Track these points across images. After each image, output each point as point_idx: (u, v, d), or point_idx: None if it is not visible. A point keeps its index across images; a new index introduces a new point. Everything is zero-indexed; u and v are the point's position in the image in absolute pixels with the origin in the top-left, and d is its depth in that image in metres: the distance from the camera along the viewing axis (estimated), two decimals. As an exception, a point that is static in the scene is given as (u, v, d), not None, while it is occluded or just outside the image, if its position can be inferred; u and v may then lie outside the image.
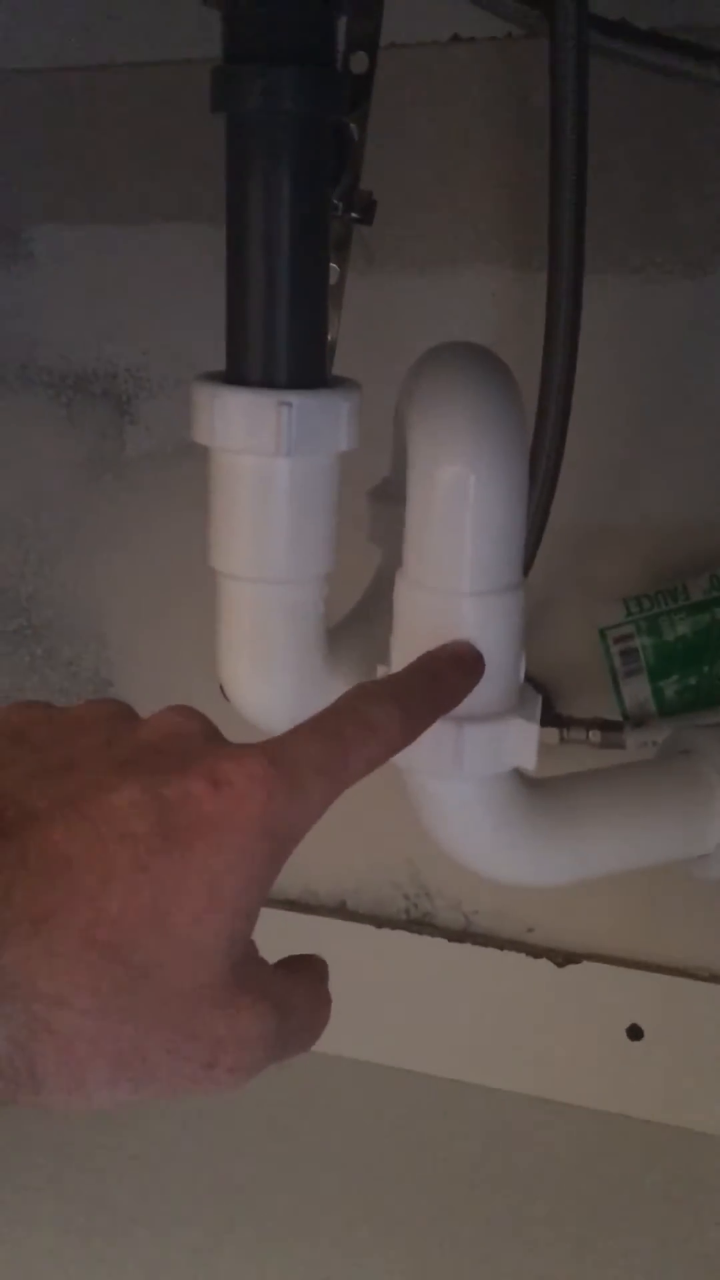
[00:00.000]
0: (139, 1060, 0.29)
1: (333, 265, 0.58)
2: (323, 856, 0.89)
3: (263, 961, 0.33)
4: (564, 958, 0.84)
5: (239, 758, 0.32)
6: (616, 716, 0.74)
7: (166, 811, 0.30)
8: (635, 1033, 0.82)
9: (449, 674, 0.42)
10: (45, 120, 0.82)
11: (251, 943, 0.32)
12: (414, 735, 0.38)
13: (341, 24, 0.50)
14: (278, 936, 0.99)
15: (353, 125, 0.56)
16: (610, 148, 0.68)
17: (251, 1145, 0.82)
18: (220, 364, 0.48)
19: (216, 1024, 0.30)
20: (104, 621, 0.90)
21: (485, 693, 0.49)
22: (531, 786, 0.53)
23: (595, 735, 0.74)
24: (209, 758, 0.32)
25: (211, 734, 0.34)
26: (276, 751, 0.32)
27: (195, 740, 0.33)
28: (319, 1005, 0.35)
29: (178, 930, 0.29)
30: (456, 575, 0.47)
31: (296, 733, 0.34)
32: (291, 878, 0.90)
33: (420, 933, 0.87)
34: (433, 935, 0.86)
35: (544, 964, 0.84)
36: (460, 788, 0.50)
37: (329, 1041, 0.97)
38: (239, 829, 0.31)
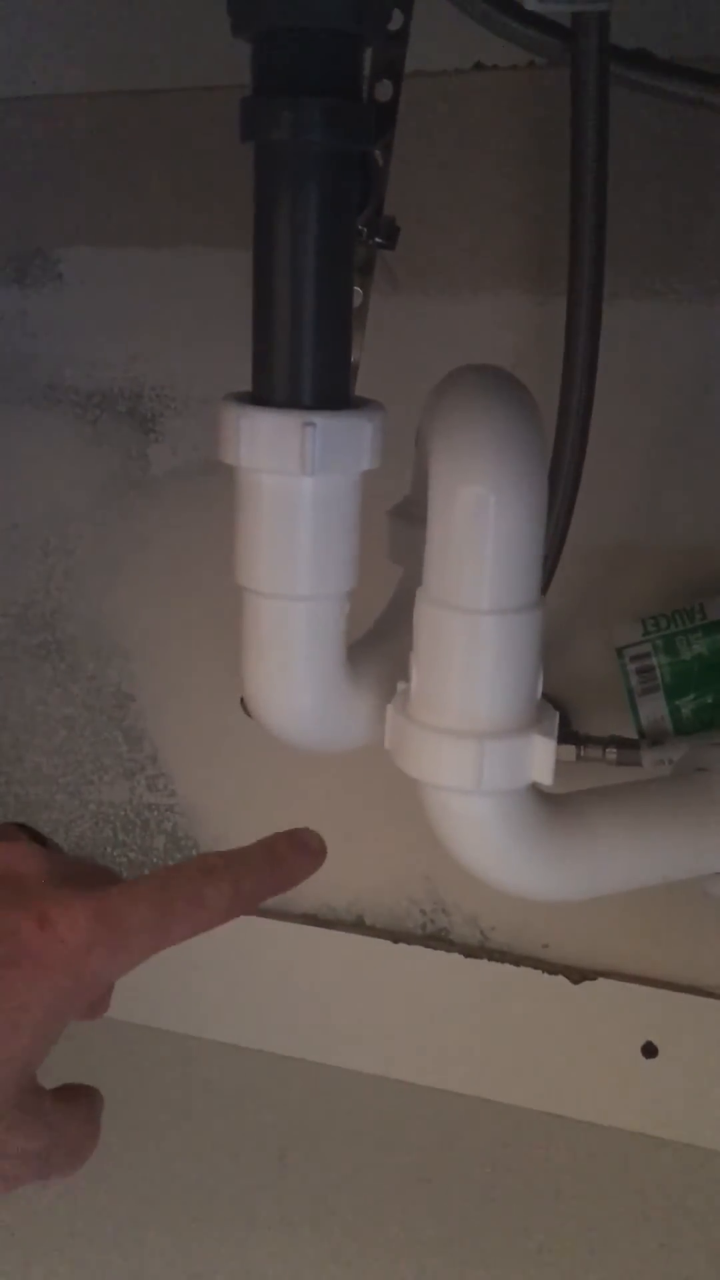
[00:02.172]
0: None
1: (357, 289, 0.60)
2: (340, 872, 0.89)
3: (41, 1091, 0.36)
4: (579, 974, 0.84)
5: (68, 905, 0.34)
6: (633, 734, 0.75)
7: None
8: (650, 1050, 0.83)
9: (291, 859, 0.43)
10: (76, 144, 0.83)
11: (35, 1073, 0.35)
12: (242, 912, 0.40)
13: (367, 54, 0.51)
14: (295, 951, 1.00)
15: (377, 153, 0.57)
16: (630, 174, 0.69)
17: (264, 1159, 0.83)
18: (245, 384, 0.49)
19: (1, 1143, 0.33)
20: (127, 637, 0.91)
21: (505, 709, 0.49)
22: (548, 802, 0.54)
23: (612, 753, 0.74)
24: (41, 899, 0.34)
25: (48, 873, 0.36)
26: (105, 908, 0.35)
27: (31, 879, 0.35)
28: (89, 1134, 0.38)
29: None
30: (476, 593, 0.48)
31: (130, 892, 0.36)
32: (309, 893, 0.91)
33: (436, 948, 0.87)
34: (449, 951, 0.87)
35: (559, 980, 0.84)
36: (479, 802, 0.51)
37: (345, 1056, 0.98)
38: (54, 970, 0.33)
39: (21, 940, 0.33)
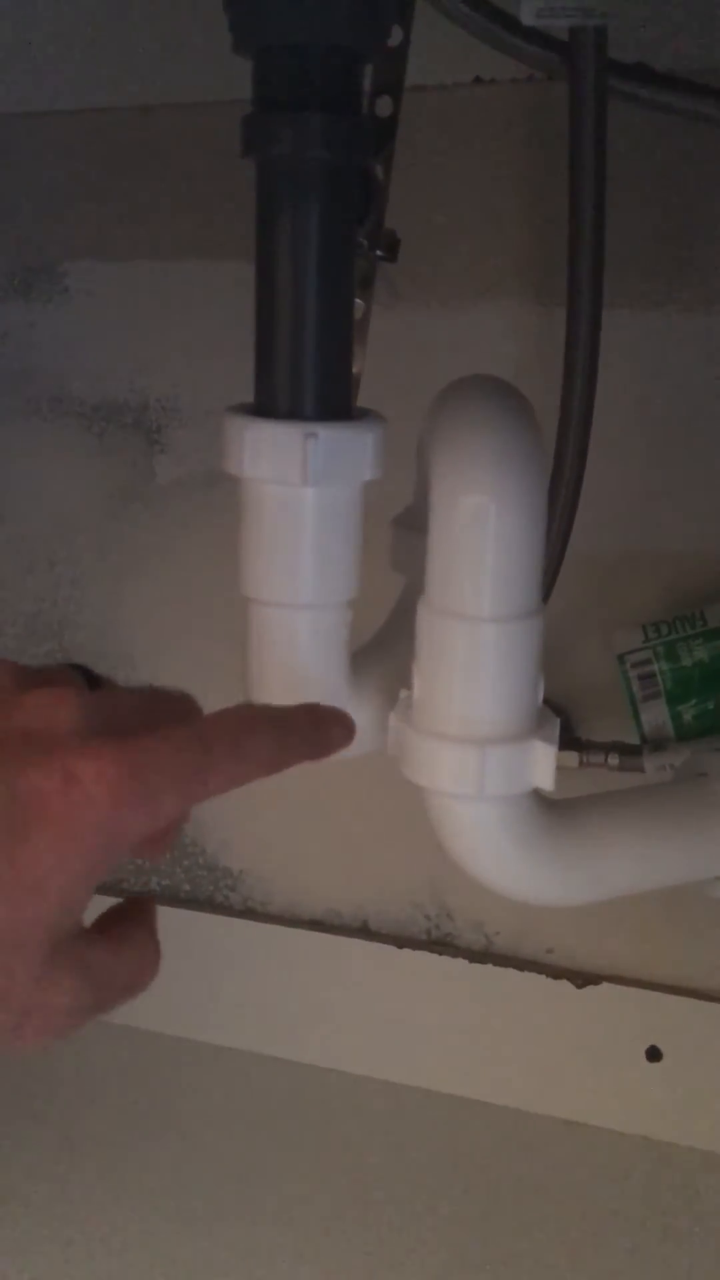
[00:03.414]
0: None
1: (358, 301, 0.60)
2: (345, 877, 0.90)
3: (84, 940, 0.34)
4: (583, 979, 0.84)
5: (96, 757, 0.32)
6: (635, 740, 0.75)
7: (13, 803, 0.31)
8: (654, 1054, 0.83)
9: (332, 725, 0.42)
10: (82, 159, 0.84)
11: (77, 928, 0.33)
12: (280, 769, 0.38)
13: (367, 70, 0.52)
14: (301, 956, 1.00)
15: (378, 167, 0.58)
16: (628, 185, 0.69)
17: (268, 1163, 0.83)
18: (248, 395, 0.50)
19: (29, 997, 0.32)
20: (133, 645, 0.92)
21: (506, 716, 0.50)
22: (550, 807, 0.54)
23: (614, 759, 0.75)
24: (67, 754, 0.32)
25: (79, 724, 0.34)
26: (137, 758, 0.33)
27: (61, 730, 0.33)
28: (143, 968, 0.36)
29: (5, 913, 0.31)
30: (477, 602, 0.49)
31: (166, 738, 0.34)
32: (314, 898, 0.91)
33: (441, 953, 0.88)
34: (454, 956, 0.87)
35: (564, 985, 0.84)
36: (481, 808, 0.51)
37: (350, 1061, 0.98)
38: (78, 830, 0.32)
39: (45, 801, 0.31)
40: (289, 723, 0.39)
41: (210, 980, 0.94)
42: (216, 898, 0.94)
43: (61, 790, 0.32)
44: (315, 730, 0.41)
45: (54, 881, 0.32)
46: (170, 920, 0.94)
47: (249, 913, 0.93)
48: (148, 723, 0.36)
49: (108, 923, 0.36)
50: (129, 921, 0.37)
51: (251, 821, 0.92)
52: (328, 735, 0.41)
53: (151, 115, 0.81)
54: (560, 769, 0.51)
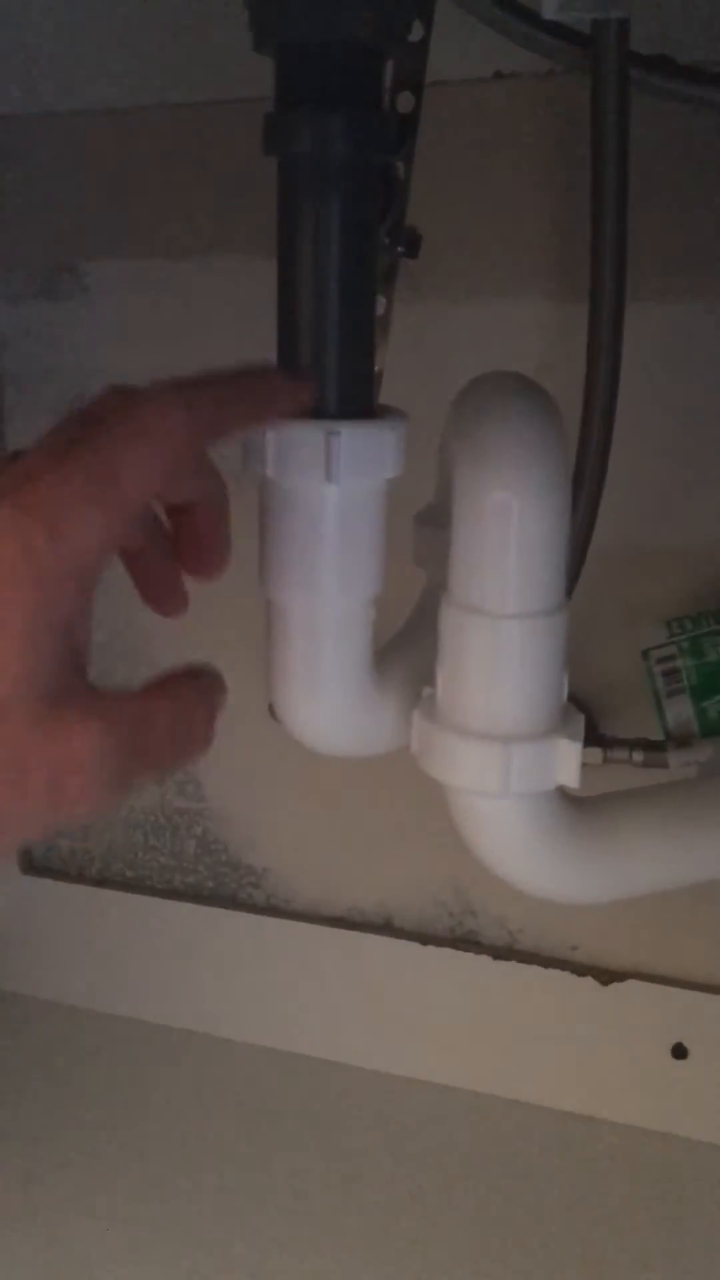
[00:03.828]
0: None
1: (380, 298, 0.60)
2: (368, 874, 0.90)
3: (89, 689, 0.33)
4: (608, 976, 0.84)
5: None
6: (659, 736, 0.75)
7: None
8: (680, 1051, 0.83)
9: (269, 377, 0.39)
10: (103, 158, 0.84)
11: (74, 674, 0.33)
12: (203, 436, 0.36)
13: (388, 67, 0.52)
14: (323, 953, 1.00)
15: (399, 163, 0.58)
16: (652, 178, 0.69)
17: (295, 1161, 0.83)
18: (270, 394, 0.50)
19: (47, 751, 0.31)
20: (155, 643, 0.92)
21: (530, 713, 0.50)
22: (575, 805, 0.54)
23: (638, 755, 0.74)
24: None
25: None
26: (28, 497, 0.32)
27: None
28: (187, 717, 0.35)
29: None
30: (500, 598, 0.48)
31: (52, 460, 0.33)
32: (337, 895, 0.91)
33: (465, 950, 0.88)
34: (477, 953, 0.87)
35: (588, 982, 0.84)
36: (505, 805, 0.51)
37: (374, 1058, 0.98)
38: (5, 581, 0.31)
39: None
40: (206, 386, 0.36)
41: (232, 977, 0.94)
42: (240, 895, 0.95)
43: None
44: (233, 381, 0.37)
45: (8, 630, 0.31)
46: (193, 917, 0.95)
47: (272, 910, 0.94)
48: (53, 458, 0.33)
49: (147, 684, 0.35)
50: (171, 679, 0.36)
51: (275, 819, 0.92)
52: (258, 387, 0.38)
53: (173, 113, 0.81)
54: (584, 766, 0.51)
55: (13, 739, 0.31)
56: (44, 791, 0.31)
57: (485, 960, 0.87)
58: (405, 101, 0.58)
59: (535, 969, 0.86)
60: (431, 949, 0.88)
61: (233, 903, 0.95)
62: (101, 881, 0.98)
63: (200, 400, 0.35)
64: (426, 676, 0.53)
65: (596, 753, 0.75)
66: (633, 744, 0.75)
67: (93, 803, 0.32)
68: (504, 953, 0.87)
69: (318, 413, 0.47)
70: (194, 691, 0.36)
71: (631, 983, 0.83)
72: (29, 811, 0.32)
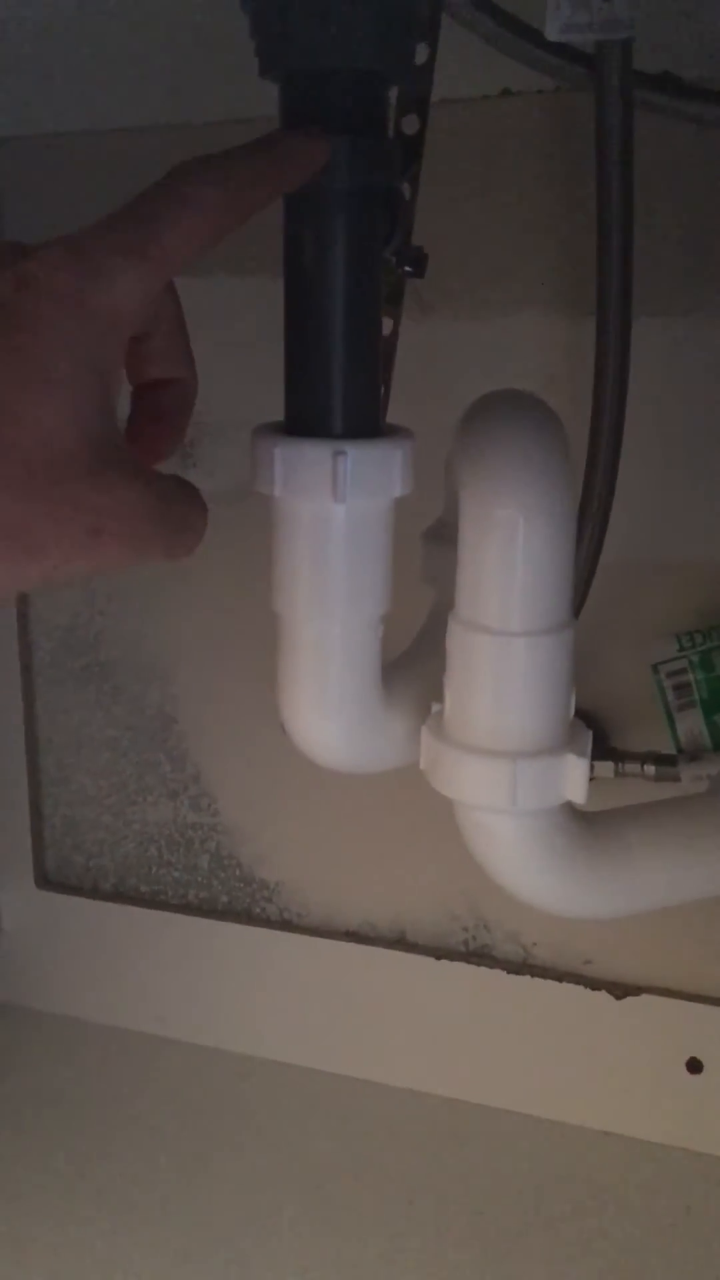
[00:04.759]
0: (24, 531, 0.32)
1: (386, 318, 0.61)
2: (382, 889, 0.90)
3: (131, 457, 0.35)
4: (622, 990, 0.84)
5: (40, 256, 0.34)
6: (671, 750, 0.75)
7: None
8: (695, 1066, 0.82)
9: (288, 140, 0.41)
10: (113, 178, 0.85)
11: (114, 427, 0.34)
12: (243, 206, 0.38)
13: (393, 90, 0.52)
14: (337, 967, 1.00)
15: (405, 184, 0.58)
16: (657, 193, 0.69)
17: (305, 1177, 0.83)
18: (279, 409, 0.50)
19: (94, 495, 0.33)
20: (167, 659, 0.93)
21: (537, 729, 0.50)
22: (584, 820, 0.54)
23: (650, 769, 0.74)
24: (12, 263, 0.34)
25: (14, 250, 0.35)
26: (77, 241, 0.34)
27: (4, 256, 0.34)
28: (194, 506, 0.37)
29: (20, 411, 0.32)
30: (507, 615, 0.49)
31: (105, 220, 0.35)
32: (351, 910, 0.92)
33: (479, 965, 0.88)
34: (491, 967, 0.87)
35: (603, 996, 0.84)
36: (513, 821, 0.51)
37: (387, 1072, 0.98)
38: (54, 316, 0.33)
39: (8, 306, 0.33)
40: (236, 157, 0.39)
41: (247, 991, 0.94)
42: (254, 909, 0.95)
43: (21, 291, 0.33)
44: (272, 152, 0.40)
45: (57, 369, 0.33)
46: (207, 932, 0.95)
47: (286, 924, 0.94)
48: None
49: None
50: (175, 477, 0.38)
51: (288, 834, 0.92)
52: (293, 154, 0.40)
53: (182, 134, 0.81)
54: (596, 779, 0.51)
55: (63, 476, 0.33)
56: (86, 529, 0.33)
57: (499, 975, 0.87)
58: (411, 123, 0.59)
59: (549, 983, 0.86)
60: (445, 963, 0.88)
61: (246, 917, 0.95)
62: (115, 896, 0.99)
63: (233, 169, 0.38)
64: (435, 693, 0.53)
65: (608, 766, 0.75)
66: (644, 758, 0.75)
67: (123, 552, 0.34)
68: (518, 967, 0.87)
69: (324, 432, 0.48)
70: (195, 490, 0.38)
71: (646, 997, 0.83)
72: (69, 547, 0.33)
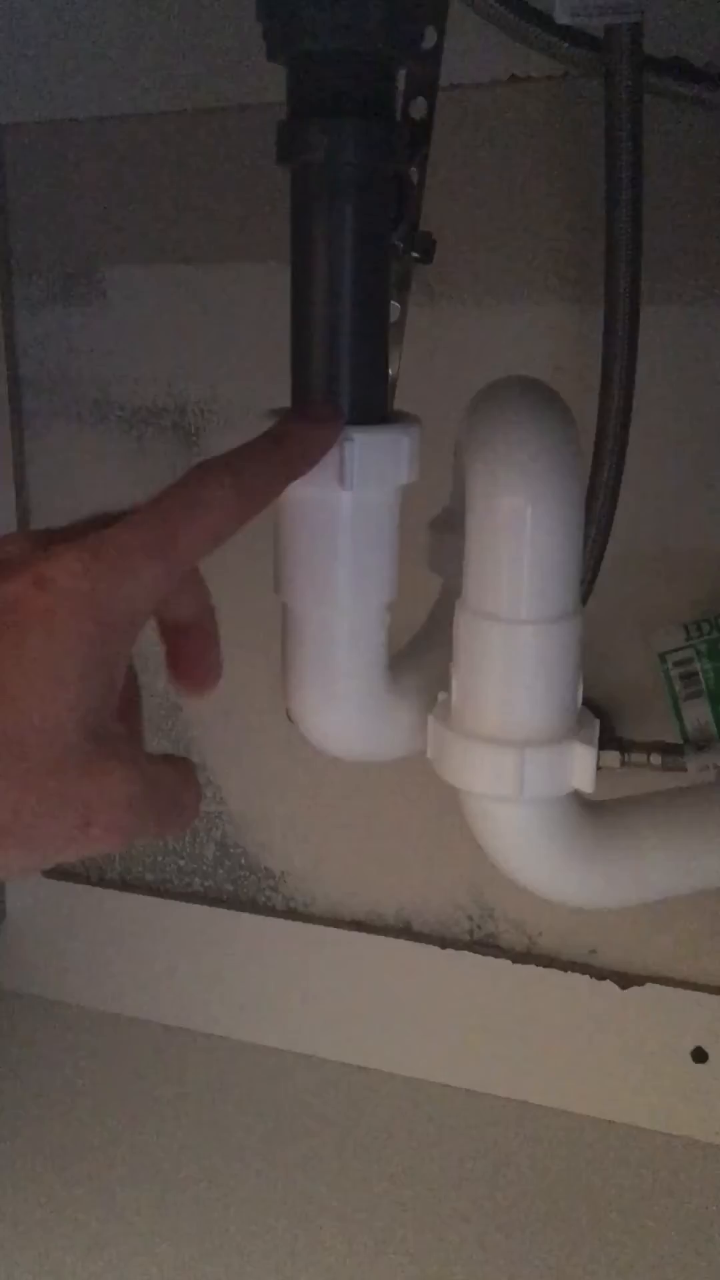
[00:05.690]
0: (19, 824, 0.33)
1: (394, 304, 0.60)
2: (387, 878, 0.90)
3: (129, 740, 0.36)
4: (627, 980, 0.84)
5: (60, 557, 0.35)
6: (677, 740, 0.75)
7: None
8: (700, 1055, 0.82)
9: (295, 433, 0.43)
10: (119, 165, 0.85)
11: (117, 725, 0.36)
12: (255, 503, 0.39)
13: (401, 74, 0.52)
14: (343, 956, 1.00)
15: (412, 169, 0.58)
16: (666, 180, 0.69)
17: (310, 1162, 0.83)
18: (285, 397, 0.50)
19: (84, 788, 0.34)
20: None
21: (544, 718, 0.50)
22: (591, 809, 0.54)
23: (656, 758, 0.74)
24: (33, 565, 0.35)
25: (39, 544, 0.36)
26: (97, 545, 0.35)
27: (20, 553, 0.36)
28: (187, 786, 0.39)
29: (27, 707, 0.33)
30: (515, 604, 0.48)
31: (124, 521, 0.36)
32: (356, 899, 0.92)
33: (484, 954, 0.88)
34: (497, 956, 0.87)
35: (607, 985, 0.84)
36: (520, 810, 0.51)
37: (393, 1061, 0.98)
38: (67, 618, 0.34)
39: (25, 606, 0.34)
40: (248, 453, 0.41)
41: (252, 980, 0.94)
42: (259, 899, 0.95)
43: (38, 592, 0.34)
44: (282, 448, 0.42)
45: (66, 668, 0.34)
46: (213, 921, 0.95)
47: (291, 914, 0.94)
48: (92, 528, 0.37)
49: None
50: (167, 756, 0.39)
51: (293, 823, 0.92)
52: (301, 446, 0.42)
53: (188, 120, 0.81)
54: (602, 769, 0.51)
55: (59, 769, 0.34)
56: (75, 823, 0.34)
57: (504, 964, 0.87)
58: (418, 108, 0.58)
59: (554, 972, 0.86)
60: (450, 952, 0.88)
61: (252, 906, 0.95)
62: (121, 885, 0.99)
63: (244, 470, 0.40)
64: (442, 682, 0.53)
65: (614, 756, 0.75)
66: (651, 747, 0.75)
67: (111, 842, 0.35)
68: (523, 956, 0.87)
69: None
70: (189, 768, 0.40)
71: (651, 986, 0.83)
72: (59, 840, 0.34)
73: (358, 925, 0.92)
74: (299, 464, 0.43)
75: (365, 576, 0.49)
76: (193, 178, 0.83)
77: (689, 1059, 0.83)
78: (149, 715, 1.01)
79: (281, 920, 0.93)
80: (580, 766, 0.50)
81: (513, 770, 0.49)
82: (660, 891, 0.56)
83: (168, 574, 0.36)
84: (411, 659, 0.57)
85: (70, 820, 0.34)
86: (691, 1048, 0.83)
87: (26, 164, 0.87)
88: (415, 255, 0.58)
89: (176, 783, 0.38)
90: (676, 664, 0.74)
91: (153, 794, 0.36)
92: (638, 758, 0.75)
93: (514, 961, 0.87)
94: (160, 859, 0.97)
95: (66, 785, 0.34)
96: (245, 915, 0.94)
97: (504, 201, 0.75)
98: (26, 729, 0.33)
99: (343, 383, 0.48)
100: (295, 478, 0.43)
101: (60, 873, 1.00)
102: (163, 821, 0.37)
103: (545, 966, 0.86)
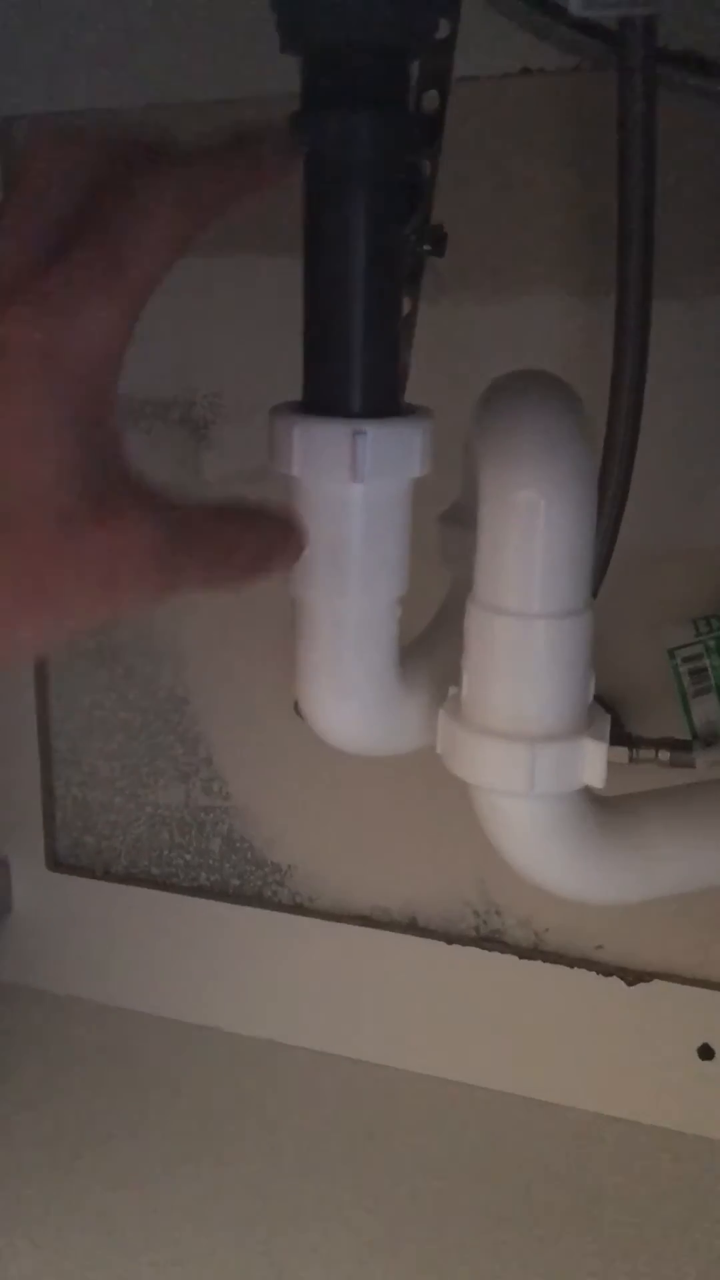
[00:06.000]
0: (37, 588, 0.32)
1: (405, 297, 0.60)
2: (393, 873, 0.90)
3: (138, 480, 0.35)
4: (634, 976, 0.84)
5: (8, 315, 0.33)
6: (686, 736, 0.75)
7: None
8: (706, 1052, 0.82)
9: (242, 137, 0.39)
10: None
11: (116, 465, 0.34)
12: (204, 217, 0.36)
13: (414, 65, 0.52)
14: (349, 951, 1.00)
15: (425, 162, 0.58)
16: (678, 173, 0.69)
17: (314, 1157, 0.83)
18: (295, 390, 0.50)
19: (98, 542, 0.33)
20: (180, 641, 0.93)
21: (555, 713, 0.50)
22: (601, 805, 0.54)
23: (665, 754, 0.74)
24: None
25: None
26: (43, 290, 0.33)
27: None
28: (246, 530, 0.37)
29: (13, 472, 0.32)
30: (526, 598, 0.48)
31: (65, 257, 0.34)
32: (362, 894, 0.91)
33: (490, 950, 0.88)
34: (503, 952, 0.87)
35: (614, 982, 0.84)
36: (530, 806, 0.51)
37: (398, 1056, 0.98)
38: (29, 378, 0.32)
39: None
40: (198, 155, 0.37)
41: (258, 975, 0.94)
42: (265, 893, 0.95)
43: None
44: (225, 159, 0.38)
45: (42, 426, 0.32)
46: (218, 915, 0.95)
47: (297, 908, 0.94)
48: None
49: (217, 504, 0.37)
50: (243, 506, 0.37)
51: (300, 817, 0.92)
52: (262, 150, 0.38)
53: (197, 111, 0.81)
54: (610, 765, 0.50)
55: (66, 528, 0.32)
56: (99, 579, 0.33)
57: (511, 960, 0.87)
58: (431, 100, 0.58)
59: (561, 969, 0.86)
60: (457, 948, 0.88)
61: (257, 901, 0.95)
62: (127, 879, 0.99)
63: (192, 170, 0.36)
64: (452, 676, 0.53)
65: (623, 752, 0.75)
66: (659, 743, 0.75)
67: (143, 592, 0.34)
68: (529, 952, 0.87)
69: (343, 412, 0.47)
70: (249, 516, 0.37)
71: (657, 983, 0.83)
72: (87, 600, 0.33)
73: (363, 920, 0.92)
74: (258, 178, 0.39)
75: (377, 570, 0.49)
76: (202, 170, 0.82)
77: (696, 1056, 0.83)
78: (153, 709, 1.01)
79: (287, 915, 0.93)
80: (591, 762, 0.50)
81: (523, 765, 0.49)
82: (670, 888, 0.56)
83: (124, 308, 0.34)
84: (422, 653, 0.57)
85: (93, 576, 0.33)
86: (699, 1044, 0.82)
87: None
88: (427, 248, 0.58)
89: (222, 529, 0.36)
90: (685, 660, 0.74)
91: (185, 540, 0.34)
92: (646, 754, 0.75)
93: (520, 957, 0.87)
94: (166, 853, 0.97)
95: (81, 543, 0.32)
96: (251, 910, 0.94)
97: (516, 194, 0.75)
98: (18, 494, 0.32)
99: (355, 376, 0.47)
100: (251, 194, 0.39)
101: (66, 866, 1.00)
102: (211, 570, 0.35)
103: (552, 962, 0.86)
